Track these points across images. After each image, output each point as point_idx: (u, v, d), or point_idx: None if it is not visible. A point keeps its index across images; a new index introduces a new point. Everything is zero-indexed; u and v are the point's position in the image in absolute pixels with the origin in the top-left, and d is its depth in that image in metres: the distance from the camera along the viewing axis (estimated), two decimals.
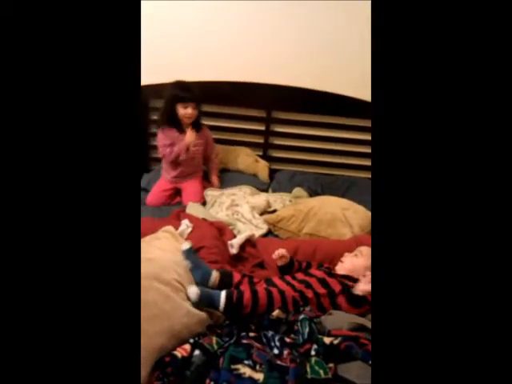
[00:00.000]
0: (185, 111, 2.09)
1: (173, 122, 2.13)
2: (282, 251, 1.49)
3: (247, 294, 1.21)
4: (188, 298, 1.17)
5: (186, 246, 1.36)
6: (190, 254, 1.34)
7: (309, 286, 1.32)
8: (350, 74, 2.40)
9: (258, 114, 2.52)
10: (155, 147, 2.58)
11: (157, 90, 2.40)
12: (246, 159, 2.48)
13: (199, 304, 1.17)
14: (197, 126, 2.19)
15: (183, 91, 2.08)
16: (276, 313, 1.20)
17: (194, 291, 1.18)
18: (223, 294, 1.20)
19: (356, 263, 1.43)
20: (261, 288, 1.26)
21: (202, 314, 1.15)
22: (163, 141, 2.16)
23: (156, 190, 2.24)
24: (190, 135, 2.10)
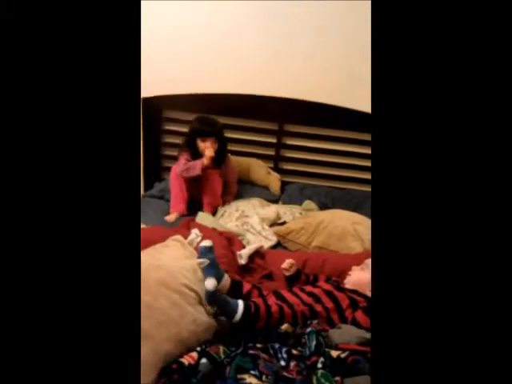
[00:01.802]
0: (204, 145, 2.14)
1: (194, 154, 2.17)
2: (291, 260, 1.50)
3: (262, 308, 1.20)
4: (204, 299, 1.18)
5: (208, 243, 1.34)
6: (209, 252, 1.32)
7: (318, 299, 1.31)
8: (363, 88, 2.41)
9: (270, 126, 2.54)
10: (168, 157, 2.63)
11: (170, 100, 2.44)
12: (258, 170, 2.50)
13: (213, 304, 1.17)
14: (218, 161, 2.21)
15: (204, 125, 2.16)
16: (284, 327, 1.19)
17: (211, 282, 1.16)
18: (241, 302, 1.18)
19: (362, 276, 1.42)
20: (272, 302, 1.26)
21: (209, 322, 1.15)
22: (182, 160, 2.18)
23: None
24: (207, 152, 2.11)
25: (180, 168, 2.15)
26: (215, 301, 1.18)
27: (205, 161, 2.09)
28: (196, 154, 2.16)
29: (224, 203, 2.26)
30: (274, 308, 1.21)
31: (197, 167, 2.10)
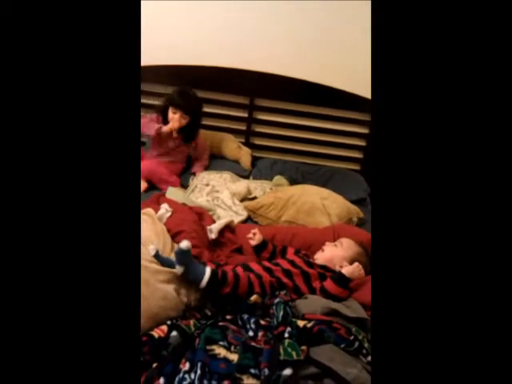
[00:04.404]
0: (172, 116, 2.11)
1: (164, 122, 2.16)
2: (254, 230, 1.55)
3: (230, 274, 1.23)
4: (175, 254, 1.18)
5: (186, 244, 1.19)
6: (186, 255, 1.20)
7: (287, 272, 1.34)
8: (335, 64, 2.42)
9: (242, 100, 2.52)
10: None
11: (142, 72, 2.37)
12: (229, 144, 2.48)
13: (183, 264, 1.17)
14: (187, 137, 2.22)
15: (180, 96, 2.11)
16: (254, 298, 1.22)
17: (186, 243, 1.17)
18: (208, 268, 1.21)
19: (335, 253, 1.46)
20: (241, 271, 1.29)
21: (179, 299, 1.16)
22: (146, 117, 2.17)
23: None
24: (171, 123, 2.10)
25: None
26: (186, 261, 1.18)
27: (164, 128, 2.09)
28: (165, 122, 2.15)
29: (194, 174, 2.28)
30: (242, 275, 1.25)
31: (152, 129, 2.09)
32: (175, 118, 2.10)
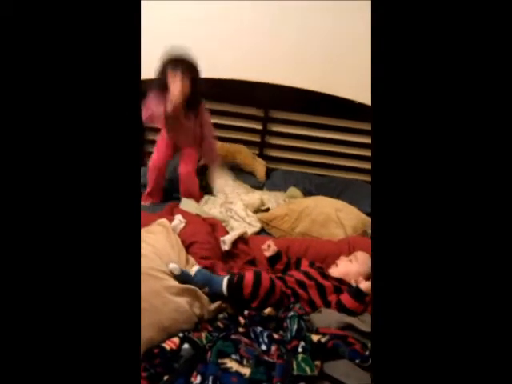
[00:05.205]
0: (171, 80, 1.80)
1: (163, 91, 1.86)
2: (269, 241, 1.54)
3: (248, 276, 1.24)
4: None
5: (196, 267, 1.32)
6: (203, 276, 1.29)
7: (301, 284, 1.33)
8: (349, 76, 2.42)
9: (256, 112, 2.53)
10: (151, 142, 2.59)
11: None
12: (244, 157, 2.48)
13: (202, 283, 1.24)
14: (190, 105, 1.93)
15: (174, 53, 1.82)
16: (268, 311, 1.21)
17: (196, 267, 1.29)
18: (226, 277, 1.25)
19: (350, 268, 1.44)
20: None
21: (191, 311, 1.15)
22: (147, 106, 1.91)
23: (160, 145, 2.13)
24: (174, 86, 1.80)
25: (144, 115, 1.90)
26: (203, 280, 1.25)
27: (169, 105, 1.83)
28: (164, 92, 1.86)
29: (210, 167, 2.19)
30: (264, 274, 1.25)
31: (161, 106, 1.84)
32: (176, 80, 1.79)
